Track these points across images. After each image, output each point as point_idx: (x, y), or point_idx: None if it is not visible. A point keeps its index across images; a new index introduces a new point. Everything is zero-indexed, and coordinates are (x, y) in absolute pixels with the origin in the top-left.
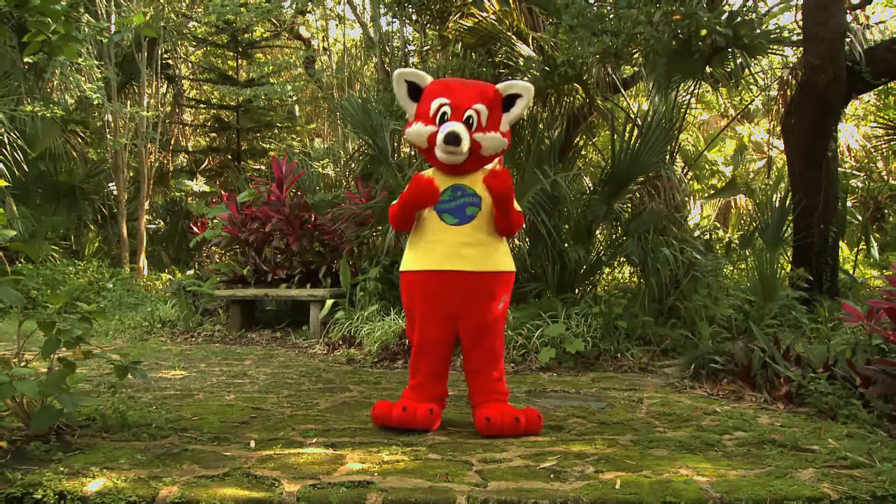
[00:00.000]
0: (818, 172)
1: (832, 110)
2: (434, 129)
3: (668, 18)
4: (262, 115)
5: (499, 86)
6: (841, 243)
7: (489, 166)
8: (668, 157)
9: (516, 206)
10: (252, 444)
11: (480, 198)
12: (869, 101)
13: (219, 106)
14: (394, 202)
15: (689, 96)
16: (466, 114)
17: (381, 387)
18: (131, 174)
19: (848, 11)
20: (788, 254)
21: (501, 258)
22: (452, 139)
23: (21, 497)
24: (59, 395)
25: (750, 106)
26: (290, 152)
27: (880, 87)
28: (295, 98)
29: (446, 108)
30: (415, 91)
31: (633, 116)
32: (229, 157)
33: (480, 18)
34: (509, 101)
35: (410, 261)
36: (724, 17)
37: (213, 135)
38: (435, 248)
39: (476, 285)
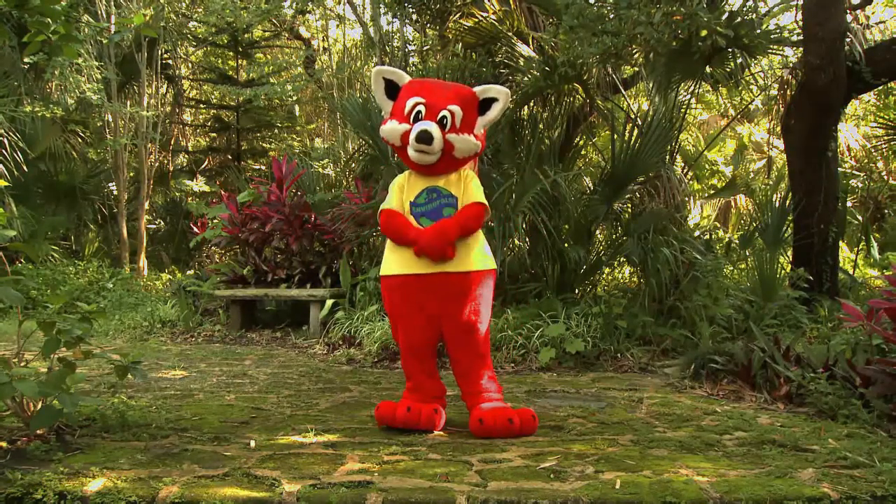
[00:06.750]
0: (818, 172)
1: (832, 110)
2: (408, 127)
3: (668, 19)
4: (262, 115)
5: (475, 89)
6: (841, 243)
7: (464, 169)
8: (668, 157)
9: (476, 196)
10: (252, 444)
11: (456, 198)
12: (869, 101)
13: (219, 106)
14: (384, 207)
15: (689, 96)
16: (440, 114)
17: (381, 387)
18: (131, 174)
19: (848, 11)
20: (788, 254)
21: (480, 257)
22: (424, 137)
23: (21, 497)
24: (59, 395)
25: (750, 106)
26: (290, 152)
27: (880, 87)
28: (295, 98)
29: (421, 107)
30: (392, 89)
31: (633, 116)
32: (229, 157)
33: (480, 18)
34: (485, 104)
35: (390, 264)
36: (724, 17)
37: (213, 135)
38: (412, 251)
39: (455, 286)
